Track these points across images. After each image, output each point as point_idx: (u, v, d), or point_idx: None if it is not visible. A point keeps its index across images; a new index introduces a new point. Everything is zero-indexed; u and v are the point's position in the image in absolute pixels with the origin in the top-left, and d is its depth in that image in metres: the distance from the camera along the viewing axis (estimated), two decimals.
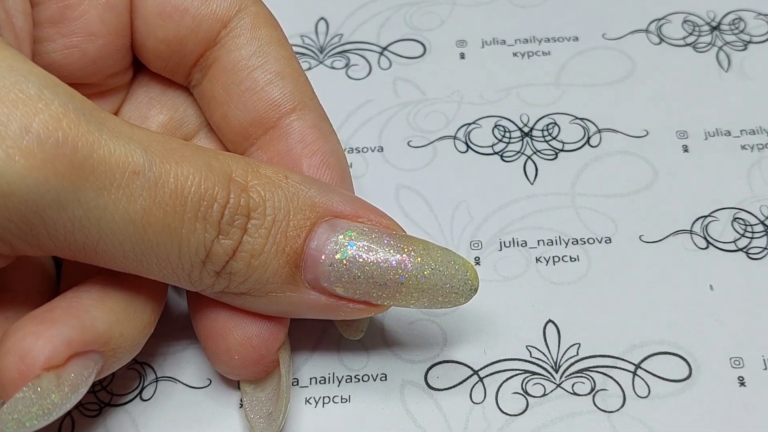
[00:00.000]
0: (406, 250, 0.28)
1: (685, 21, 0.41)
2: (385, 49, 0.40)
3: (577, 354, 0.31)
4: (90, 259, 0.26)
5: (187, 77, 0.32)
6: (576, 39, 0.40)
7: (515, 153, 0.37)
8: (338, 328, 0.31)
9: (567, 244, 0.34)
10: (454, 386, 0.31)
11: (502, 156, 0.37)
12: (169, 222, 0.25)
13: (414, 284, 0.28)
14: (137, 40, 0.31)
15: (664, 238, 0.34)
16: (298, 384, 0.31)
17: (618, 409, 0.30)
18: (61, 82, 0.24)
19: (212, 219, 0.26)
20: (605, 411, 0.30)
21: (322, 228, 0.27)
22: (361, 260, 0.27)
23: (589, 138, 0.37)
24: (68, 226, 0.24)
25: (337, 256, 0.27)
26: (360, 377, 0.31)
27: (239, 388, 0.31)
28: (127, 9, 0.30)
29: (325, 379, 0.31)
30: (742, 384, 0.30)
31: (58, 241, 0.25)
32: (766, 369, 0.30)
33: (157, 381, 0.31)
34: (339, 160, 0.31)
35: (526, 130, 0.37)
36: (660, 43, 0.40)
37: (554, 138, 0.37)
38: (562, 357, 0.31)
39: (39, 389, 0.25)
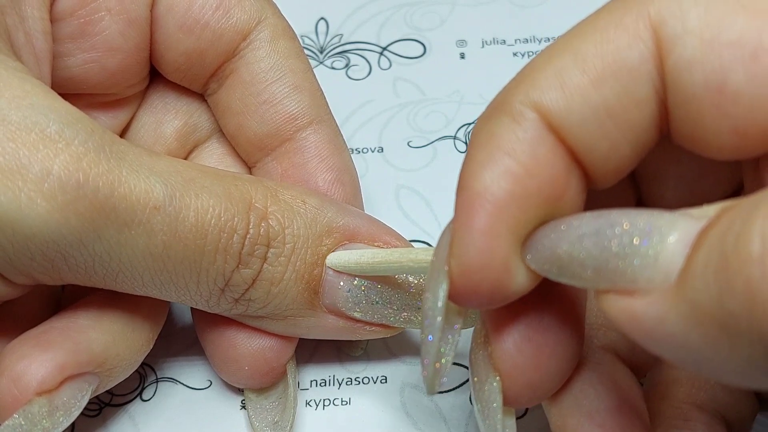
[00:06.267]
0: (423, 275, 0.28)
1: None
2: (385, 49, 0.40)
3: None
4: (109, 287, 0.26)
5: (204, 86, 0.31)
6: None
7: None
8: (340, 343, 0.32)
9: None
10: (454, 389, 0.31)
11: None
12: (189, 255, 0.25)
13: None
14: (157, 52, 0.30)
15: None
16: (299, 386, 0.31)
17: None
18: (82, 116, 0.24)
19: (232, 250, 0.26)
20: None
21: None
22: (379, 286, 0.28)
23: None
24: (89, 262, 0.24)
25: (355, 282, 0.27)
26: (360, 380, 0.31)
27: (241, 391, 0.31)
28: (148, 23, 0.30)
29: (325, 382, 0.31)
30: None
31: (79, 274, 0.25)
32: None
33: (157, 381, 0.31)
34: (351, 177, 0.31)
35: None
36: None
37: None
38: None
39: (30, 415, 0.25)
